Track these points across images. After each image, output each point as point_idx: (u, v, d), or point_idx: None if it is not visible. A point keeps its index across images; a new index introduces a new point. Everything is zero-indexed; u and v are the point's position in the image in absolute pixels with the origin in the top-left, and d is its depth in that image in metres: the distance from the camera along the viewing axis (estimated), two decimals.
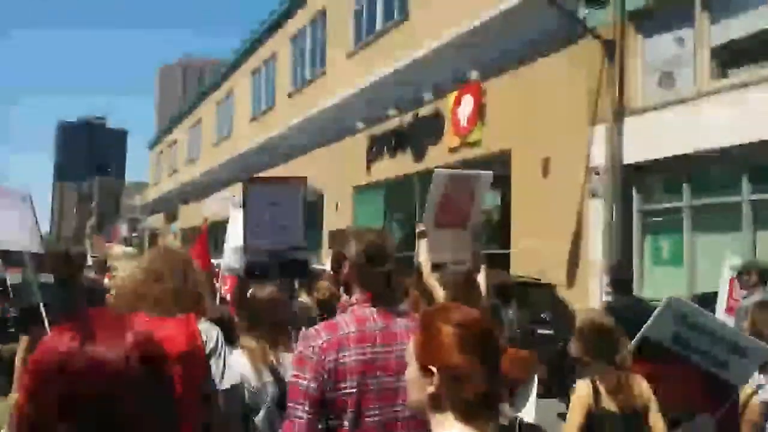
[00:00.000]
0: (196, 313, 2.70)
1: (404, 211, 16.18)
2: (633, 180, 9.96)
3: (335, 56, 19.27)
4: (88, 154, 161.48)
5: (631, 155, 9.85)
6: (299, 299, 5.80)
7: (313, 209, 20.32)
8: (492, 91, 12.78)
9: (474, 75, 13.02)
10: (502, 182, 12.74)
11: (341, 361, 2.13)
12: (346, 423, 2.09)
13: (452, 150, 13.78)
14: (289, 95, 22.44)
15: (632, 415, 3.11)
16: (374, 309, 2.27)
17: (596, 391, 3.14)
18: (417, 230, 4.37)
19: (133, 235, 43.42)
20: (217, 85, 30.94)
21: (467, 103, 13.29)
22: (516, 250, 11.92)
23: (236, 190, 25.62)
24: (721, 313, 6.13)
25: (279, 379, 3.20)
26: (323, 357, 2.12)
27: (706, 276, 8.13)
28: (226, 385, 2.75)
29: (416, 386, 1.50)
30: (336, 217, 18.37)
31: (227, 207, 7.92)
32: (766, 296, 5.32)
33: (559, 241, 10.88)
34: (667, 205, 9.62)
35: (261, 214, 5.52)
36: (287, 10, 22.68)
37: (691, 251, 9.07)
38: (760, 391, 3.41)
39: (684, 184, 9.26)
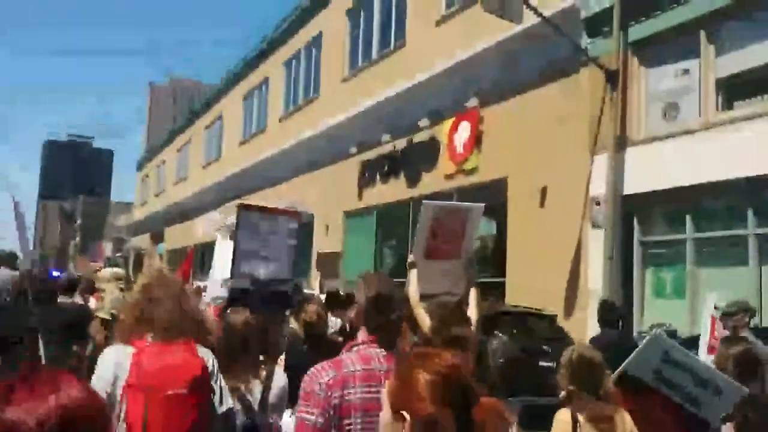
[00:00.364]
0: (197, 339, 2.74)
1: (396, 237, 15.91)
2: (634, 211, 9.78)
3: (329, 81, 19.15)
4: (74, 173, 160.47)
5: (633, 186, 9.68)
6: (289, 325, 5.69)
7: (304, 233, 20.08)
8: (490, 118, 12.64)
9: (472, 102, 12.88)
10: (498, 211, 12.56)
11: (346, 398, 2.18)
12: None
13: (447, 177, 13.59)
14: (281, 119, 22.27)
15: None
16: (380, 351, 2.32)
17: (576, 422, 3.14)
18: (408, 261, 4.36)
19: (118, 255, 42.77)
20: (207, 107, 30.77)
21: (464, 129, 13.14)
22: (511, 280, 11.67)
23: (226, 212, 25.32)
24: (702, 353, 6.02)
25: (247, 408, 3.21)
26: (329, 393, 2.17)
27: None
28: (223, 408, 2.82)
29: (388, 430, 1.52)
30: (326, 241, 18.07)
31: (215, 227, 7.75)
32: (750, 337, 5.16)
33: (556, 271, 10.65)
34: (670, 237, 9.44)
35: (252, 241, 5.44)
36: (281, 36, 22.61)
37: (693, 284, 8.87)
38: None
39: (687, 216, 9.09)
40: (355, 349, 2.35)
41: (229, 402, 2.91)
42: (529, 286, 10.98)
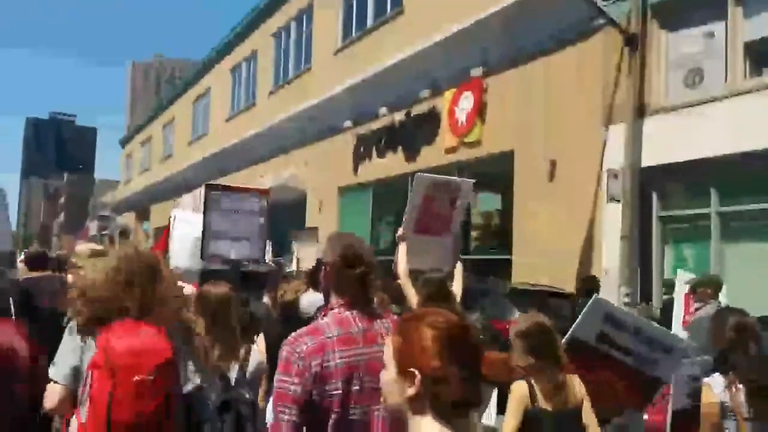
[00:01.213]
0: (169, 318, 2.69)
1: (394, 213, 15.27)
2: (653, 184, 9.23)
3: (321, 53, 18.40)
4: (57, 151, 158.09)
5: (652, 158, 9.13)
6: (263, 301, 5.58)
7: (296, 210, 19.46)
8: (494, 88, 12.01)
9: (475, 71, 12.22)
10: (503, 185, 12.00)
11: (326, 364, 2.16)
12: (330, 422, 2.11)
13: (448, 150, 12.97)
14: (271, 93, 21.50)
15: (567, 414, 3.15)
16: (354, 312, 2.31)
17: (532, 392, 3.17)
18: (397, 234, 4.37)
19: (103, 233, 41.87)
20: (193, 82, 29.82)
21: (466, 100, 12.50)
22: (518, 257, 11.13)
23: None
24: (678, 328, 6.08)
25: (225, 385, 3.21)
26: (308, 361, 2.15)
27: (737, 288, 7.39)
28: (189, 387, 2.84)
29: (395, 389, 1.52)
30: (320, 218, 17.44)
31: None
32: (716, 308, 5.33)
33: (566, 249, 10.10)
34: (692, 212, 8.90)
35: (221, 222, 5.43)
36: (270, 6, 21.74)
37: (719, 261, 8.35)
38: (717, 392, 3.40)
39: (711, 189, 8.54)
40: (331, 313, 2.31)
41: (196, 381, 2.94)
42: (537, 263, 10.45)
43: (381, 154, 15.20)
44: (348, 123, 16.24)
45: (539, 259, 10.43)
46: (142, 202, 35.31)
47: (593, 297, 3.55)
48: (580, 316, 3.42)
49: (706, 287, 6.10)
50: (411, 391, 1.48)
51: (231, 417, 3.21)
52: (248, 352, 3.44)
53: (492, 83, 12.06)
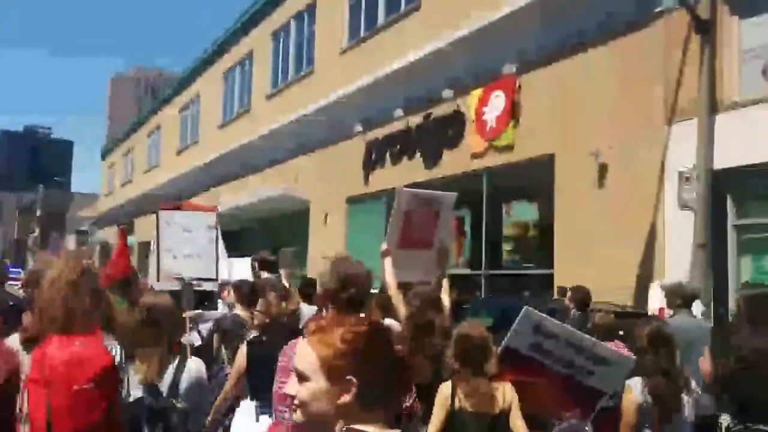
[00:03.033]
0: (101, 329, 2.71)
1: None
2: (726, 189, 8.23)
3: (325, 53, 17.30)
4: (32, 164, 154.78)
5: (724, 159, 8.13)
6: (235, 312, 5.59)
7: (297, 222, 18.27)
8: (530, 86, 10.98)
9: (508, 68, 11.19)
10: (541, 193, 10.97)
11: None
12: None
13: (476, 155, 11.90)
14: (268, 97, 20.34)
15: (489, 417, 3.34)
16: None
17: (455, 394, 3.38)
18: (381, 249, 4.39)
19: (82, 248, 40.23)
20: (181, 88, 28.53)
21: (497, 100, 11.46)
22: (561, 272, 10.05)
23: (204, 199, 23.36)
24: None
25: (154, 395, 3.23)
26: None
27: None
28: (131, 398, 3.04)
29: (324, 398, 1.50)
30: (325, 231, 16.28)
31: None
32: (686, 318, 5.44)
33: (621, 262, 9.06)
34: None
35: (174, 241, 5.61)
36: (267, 5, 20.62)
37: None
38: (637, 393, 3.62)
39: None
40: None
41: (137, 393, 3.09)
42: (584, 279, 9.36)
43: (395, 161, 14.10)
44: (358, 127, 15.13)
45: (586, 274, 9.35)
46: (126, 215, 33.80)
47: (524, 309, 3.55)
48: (511, 329, 3.50)
49: (673, 296, 5.97)
50: (346, 398, 1.49)
51: (160, 426, 3.25)
52: (183, 361, 3.42)
53: (527, 81, 11.03)
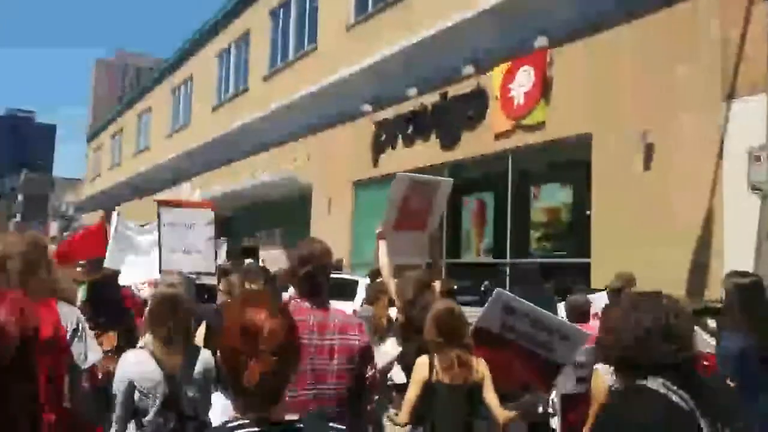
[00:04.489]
0: (55, 298, 2.84)
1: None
2: None
3: (330, 30, 16.33)
4: (13, 149, 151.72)
5: None
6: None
7: (298, 208, 17.34)
8: (564, 60, 10.12)
9: (540, 41, 10.31)
10: (575, 174, 10.13)
11: None
12: (287, 397, 1.95)
13: (500, 135, 11.04)
14: (266, 78, 19.34)
15: (464, 389, 3.52)
16: (309, 303, 2.79)
17: (432, 367, 3.53)
18: (376, 231, 4.50)
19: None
20: (173, 68, 27.37)
21: (525, 76, 10.59)
22: (599, 261, 9.23)
23: (198, 182, 22.31)
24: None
25: (170, 380, 3.25)
26: None
27: None
28: (88, 363, 2.95)
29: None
30: (329, 218, 15.38)
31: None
32: None
33: (669, 250, 8.23)
34: None
35: (173, 238, 5.81)
36: None
37: None
38: (606, 376, 3.66)
39: None
40: (291, 303, 2.80)
41: (96, 357, 3.05)
42: (627, 268, 8.55)
43: (408, 143, 13.21)
44: (366, 107, 14.21)
45: (628, 263, 8.53)
46: (112, 200, 32.66)
47: (495, 291, 3.73)
48: (483, 309, 3.70)
49: (623, 288, 5.86)
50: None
51: (173, 414, 3.26)
52: (196, 350, 3.48)
53: (560, 55, 10.16)
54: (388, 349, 4.27)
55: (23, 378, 2.52)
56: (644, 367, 1.92)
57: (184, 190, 23.27)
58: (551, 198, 10.29)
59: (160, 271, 5.75)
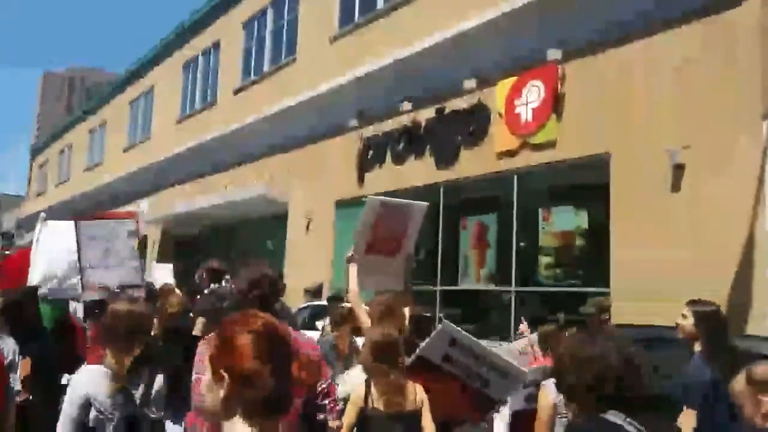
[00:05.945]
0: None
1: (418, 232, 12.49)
2: None
3: (310, 41, 15.50)
4: None
5: None
6: None
7: (272, 228, 16.30)
8: (577, 74, 9.48)
9: (552, 53, 9.68)
10: (593, 197, 9.46)
11: None
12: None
13: (504, 154, 10.31)
14: (237, 91, 18.34)
15: (399, 416, 3.52)
16: None
17: (369, 393, 3.56)
18: (345, 256, 4.47)
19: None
20: (133, 79, 26.05)
21: (534, 91, 9.92)
22: (620, 290, 8.51)
23: (157, 199, 21.03)
24: None
25: (129, 398, 3.19)
26: None
27: None
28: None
29: (212, 391, 1.55)
30: (307, 239, 14.40)
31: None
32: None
33: (702, 281, 7.56)
34: None
35: (94, 252, 5.68)
36: None
37: None
38: (552, 395, 3.77)
39: None
40: None
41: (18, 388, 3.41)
42: (653, 298, 7.87)
43: (399, 160, 12.39)
44: (353, 122, 13.37)
45: (655, 291, 7.85)
46: (60, 217, 30.81)
47: (442, 323, 3.79)
48: (428, 339, 3.71)
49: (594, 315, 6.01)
50: (221, 393, 1.51)
51: None
52: (154, 370, 3.38)
53: (573, 69, 9.53)
54: (356, 375, 4.14)
55: None
56: (606, 400, 1.92)
57: (141, 207, 21.93)
58: (564, 222, 9.57)
59: (83, 288, 5.62)
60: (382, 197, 4.84)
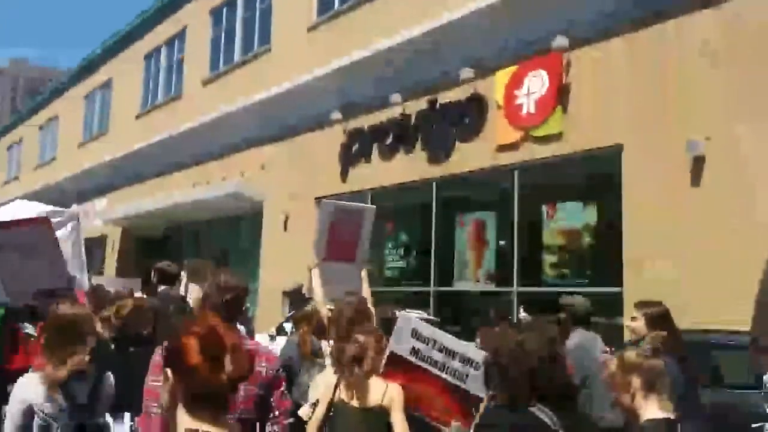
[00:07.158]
0: None
1: (406, 229, 11.90)
2: None
3: (286, 30, 14.77)
4: None
5: None
6: None
7: (247, 226, 15.50)
8: (585, 63, 9.03)
9: (559, 41, 9.21)
10: (603, 193, 9.02)
11: None
12: None
13: (504, 147, 9.80)
14: (206, 83, 17.45)
15: (368, 411, 3.52)
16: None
17: (338, 388, 3.60)
18: (309, 265, 4.82)
19: None
20: (86, 72, 24.76)
21: (537, 81, 9.44)
22: (633, 291, 8.07)
23: (118, 196, 19.95)
24: None
25: (72, 402, 3.14)
26: None
27: None
28: None
29: (164, 390, 1.67)
30: (286, 236, 13.65)
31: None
32: (582, 338, 5.05)
33: (724, 281, 7.19)
34: None
35: (12, 260, 5.43)
36: None
37: None
38: None
39: None
40: None
41: None
42: (671, 299, 7.44)
43: (386, 155, 11.77)
44: (336, 114, 12.70)
45: (672, 292, 7.42)
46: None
47: (401, 315, 3.95)
48: (392, 335, 3.73)
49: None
50: (167, 387, 1.65)
51: None
52: (101, 374, 3.31)
53: (580, 58, 9.08)
54: (328, 376, 4.06)
55: None
56: (532, 393, 2.11)
57: (99, 206, 20.81)
58: (570, 218, 9.10)
59: (9, 296, 5.42)
60: (335, 201, 4.95)
